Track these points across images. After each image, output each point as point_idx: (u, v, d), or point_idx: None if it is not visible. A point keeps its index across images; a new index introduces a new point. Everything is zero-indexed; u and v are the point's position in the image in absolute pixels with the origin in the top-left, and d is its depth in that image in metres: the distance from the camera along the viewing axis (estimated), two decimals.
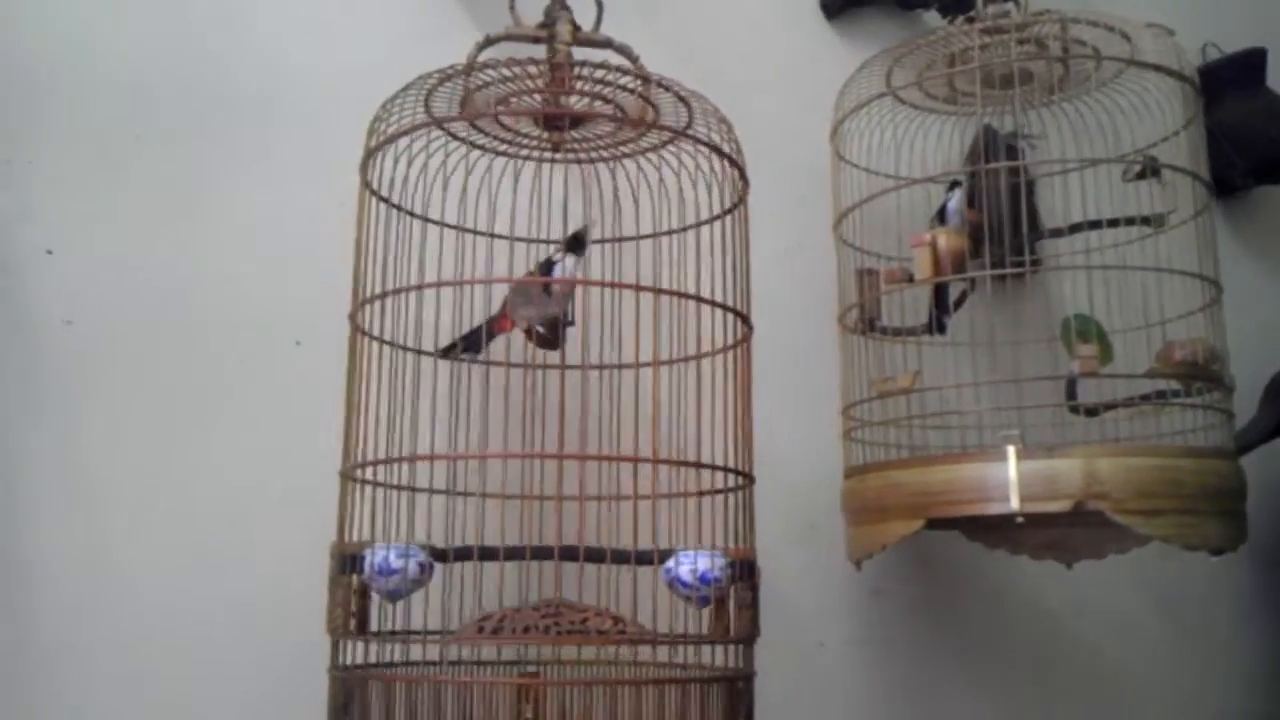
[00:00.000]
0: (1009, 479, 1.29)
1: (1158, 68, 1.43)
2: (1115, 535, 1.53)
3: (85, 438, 1.36)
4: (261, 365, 1.43)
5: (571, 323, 1.28)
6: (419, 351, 1.19)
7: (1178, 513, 1.29)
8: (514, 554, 1.16)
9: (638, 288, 1.20)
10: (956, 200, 1.49)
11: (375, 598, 1.16)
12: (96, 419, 1.37)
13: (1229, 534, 1.33)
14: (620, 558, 1.16)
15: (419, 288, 1.17)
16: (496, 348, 1.32)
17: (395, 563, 1.12)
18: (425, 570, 1.15)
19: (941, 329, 1.53)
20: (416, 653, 1.23)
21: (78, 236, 1.38)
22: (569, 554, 1.15)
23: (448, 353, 1.26)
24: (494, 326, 1.25)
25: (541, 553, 1.15)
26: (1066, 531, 1.54)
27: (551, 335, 1.30)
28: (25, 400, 1.34)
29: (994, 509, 1.30)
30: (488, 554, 1.14)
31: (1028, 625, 1.77)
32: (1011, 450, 1.29)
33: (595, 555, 1.17)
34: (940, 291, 1.51)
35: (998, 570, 1.71)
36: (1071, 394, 1.44)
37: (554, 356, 1.30)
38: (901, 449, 1.49)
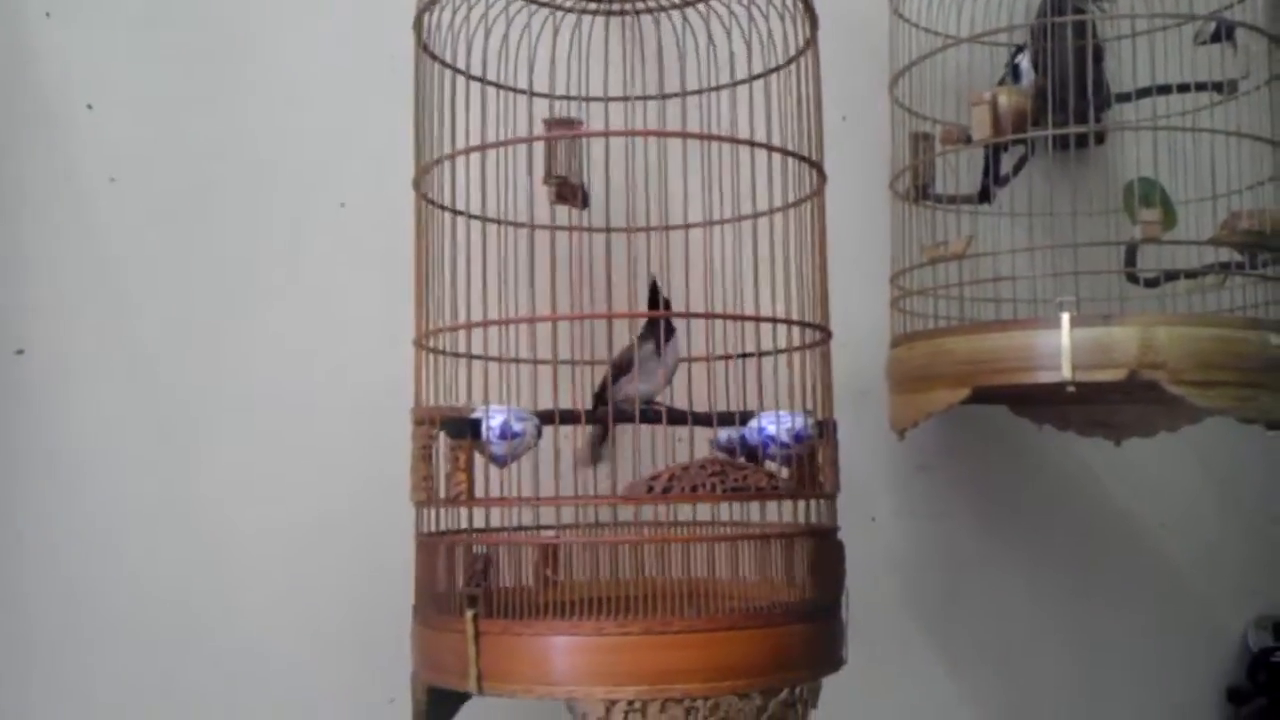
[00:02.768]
0: (1062, 346, 1.25)
1: None
2: (1166, 412, 1.50)
3: (131, 297, 1.36)
4: (307, 227, 1.41)
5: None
6: (483, 219, 1.15)
7: (1236, 385, 1.25)
8: (595, 418, 1.16)
9: (703, 136, 1.14)
10: (1027, 60, 1.43)
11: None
12: (143, 277, 1.36)
13: None
14: (700, 420, 1.13)
15: (481, 148, 1.11)
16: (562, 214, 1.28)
17: (516, 426, 1.09)
18: (539, 434, 1.12)
19: (988, 198, 1.48)
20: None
21: (119, 92, 1.36)
22: (649, 418, 1.13)
23: None
24: None
25: (624, 416, 1.11)
26: (1116, 408, 1.51)
27: (572, 192, 1.28)
28: (73, 259, 1.33)
29: (1044, 378, 1.26)
30: (569, 418, 1.13)
31: (1076, 504, 1.75)
32: (1065, 317, 1.25)
33: (676, 418, 1.15)
34: (991, 158, 1.45)
35: (1045, 448, 1.69)
36: (1131, 261, 1.39)
37: (619, 220, 1.24)
38: (951, 319, 1.46)
